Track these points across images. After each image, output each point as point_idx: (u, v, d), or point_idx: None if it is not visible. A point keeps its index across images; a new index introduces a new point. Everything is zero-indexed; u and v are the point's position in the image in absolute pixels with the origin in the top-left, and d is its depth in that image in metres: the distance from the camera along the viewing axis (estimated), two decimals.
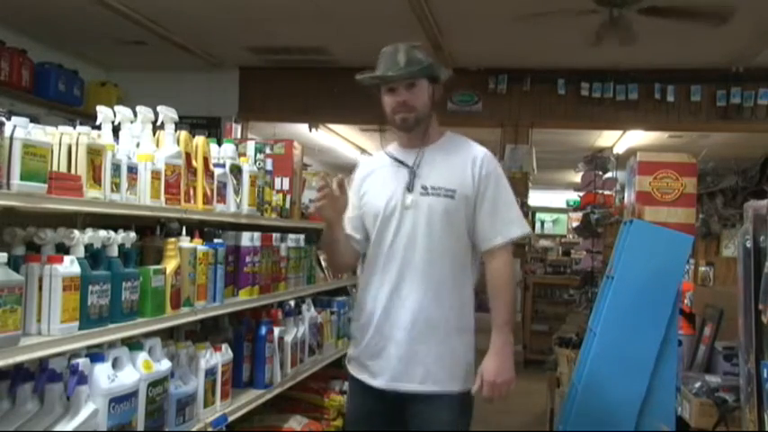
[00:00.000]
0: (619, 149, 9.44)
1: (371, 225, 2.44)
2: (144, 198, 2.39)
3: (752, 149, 7.03)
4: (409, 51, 2.35)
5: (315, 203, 2.36)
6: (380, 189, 2.43)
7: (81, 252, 2.07)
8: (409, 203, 2.35)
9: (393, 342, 2.35)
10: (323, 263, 4.05)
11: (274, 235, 3.30)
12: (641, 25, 5.63)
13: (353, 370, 2.48)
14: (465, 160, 2.39)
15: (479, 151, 2.43)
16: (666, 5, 5.33)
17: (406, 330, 2.33)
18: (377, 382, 2.38)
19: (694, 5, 5.29)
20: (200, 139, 2.77)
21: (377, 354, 2.38)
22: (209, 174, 2.80)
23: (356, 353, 2.47)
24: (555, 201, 17.43)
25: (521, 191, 8.16)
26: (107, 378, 2.08)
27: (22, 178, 1.84)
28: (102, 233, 2.18)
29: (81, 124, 2.22)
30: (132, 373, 2.20)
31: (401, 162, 2.42)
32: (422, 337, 2.33)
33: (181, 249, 2.54)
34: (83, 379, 2.00)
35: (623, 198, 5.22)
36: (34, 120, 2.13)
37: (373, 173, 2.51)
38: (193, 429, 2.56)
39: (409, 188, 2.36)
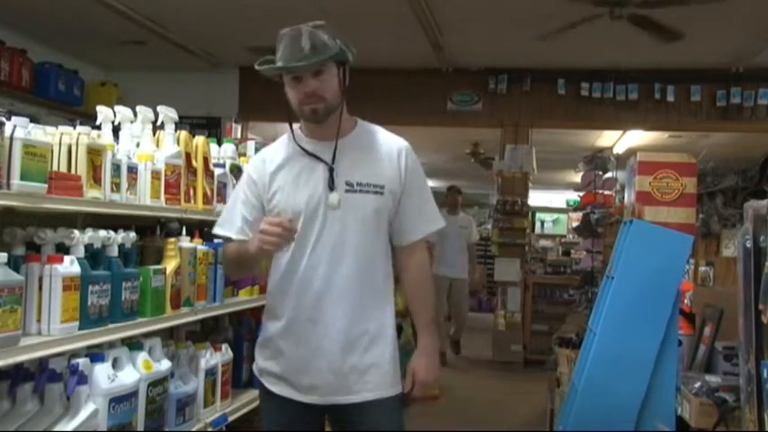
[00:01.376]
0: (619, 149, 9.44)
1: None
2: (144, 198, 2.40)
3: (752, 149, 7.02)
4: (313, 35, 2.14)
5: (271, 239, 1.98)
6: (298, 187, 2.16)
7: (81, 252, 2.07)
8: (334, 203, 2.12)
9: (323, 354, 2.13)
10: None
11: None
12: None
13: (271, 385, 2.21)
14: (389, 153, 2.21)
15: (401, 143, 2.26)
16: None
17: (337, 342, 2.13)
18: (308, 399, 2.16)
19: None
20: (200, 139, 2.77)
21: (303, 367, 2.15)
22: (209, 174, 2.80)
23: (274, 367, 2.20)
24: (555, 201, 17.46)
25: (521, 191, 8.17)
26: (107, 378, 2.09)
27: (22, 178, 1.84)
28: (102, 233, 2.18)
29: (81, 124, 2.22)
30: (132, 373, 2.20)
31: (315, 157, 2.16)
32: (356, 345, 2.15)
33: (181, 249, 2.54)
34: (83, 379, 2.00)
35: (623, 198, 5.22)
36: (34, 120, 2.13)
37: (284, 167, 2.19)
38: (193, 429, 2.56)
39: (330, 186, 2.13)
